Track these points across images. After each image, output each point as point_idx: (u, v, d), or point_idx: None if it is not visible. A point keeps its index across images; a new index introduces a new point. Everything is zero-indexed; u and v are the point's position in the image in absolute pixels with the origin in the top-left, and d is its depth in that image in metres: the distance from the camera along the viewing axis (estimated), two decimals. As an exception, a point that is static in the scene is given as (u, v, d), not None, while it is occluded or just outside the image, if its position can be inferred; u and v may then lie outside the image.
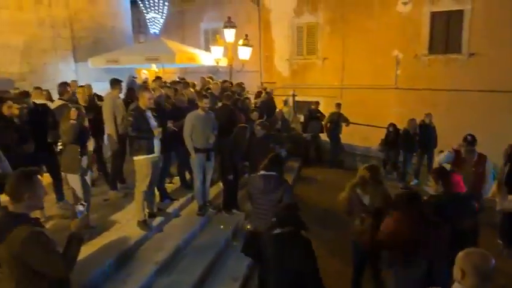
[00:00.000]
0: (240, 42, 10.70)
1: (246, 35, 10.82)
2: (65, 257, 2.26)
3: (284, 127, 9.26)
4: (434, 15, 11.99)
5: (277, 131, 8.39)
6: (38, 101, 5.79)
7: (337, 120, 10.37)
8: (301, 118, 11.32)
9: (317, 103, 10.98)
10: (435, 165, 5.77)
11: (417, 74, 12.25)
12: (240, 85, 9.15)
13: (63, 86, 6.25)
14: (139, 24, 16.33)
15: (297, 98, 12.42)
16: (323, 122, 10.62)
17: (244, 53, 10.70)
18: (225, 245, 5.44)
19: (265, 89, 10.57)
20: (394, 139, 9.25)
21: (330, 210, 6.35)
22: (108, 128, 6.30)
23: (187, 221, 5.74)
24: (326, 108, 11.27)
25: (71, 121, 4.63)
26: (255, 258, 4.10)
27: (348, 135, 10.79)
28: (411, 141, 8.79)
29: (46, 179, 4.89)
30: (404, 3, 12.27)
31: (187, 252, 5.05)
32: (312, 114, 10.73)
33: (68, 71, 10.27)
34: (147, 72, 14.44)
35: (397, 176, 9.30)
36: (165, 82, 8.50)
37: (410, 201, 3.34)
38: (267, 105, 9.23)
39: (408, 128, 8.82)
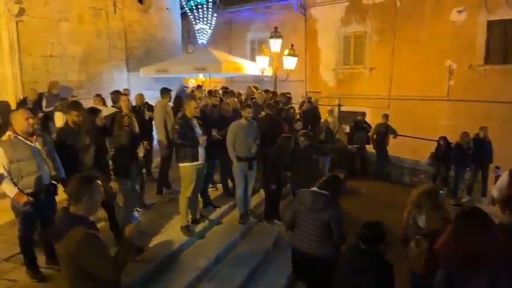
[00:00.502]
0: (286, 52, 10.73)
1: (292, 45, 10.84)
2: (115, 261, 2.34)
3: (329, 138, 9.12)
4: (491, 24, 11.37)
5: (321, 142, 8.27)
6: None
7: (385, 131, 10.07)
8: (347, 129, 11.11)
9: (363, 114, 10.75)
10: (493, 190, 5.28)
11: (471, 85, 11.63)
12: (285, 95, 9.16)
13: (116, 94, 6.57)
14: (188, 35, 16.88)
15: (342, 108, 12.22)
16: (369, 133, 10.37)
17: (290, 62, 10.72)
18: (265, 255, 5.42)
19: (309, 98, 10.50)
20: (445, 153, 8.82)
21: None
22: (159, 135, 6.57)
23: (228, 228, 5.79)
24: (373, 119, 11.00)
25: (124, 127, 4.86)
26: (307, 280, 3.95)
27: (395, 147, 10.43)
28: (464, 155, 8.33)
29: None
30: (459, 12, 11.74)
31: (228, 259, 5.08)
32: (358, 125, 10.50)
33: (121, 79, 10.81)
34: (194, 81, 14.89)
35: (448, 191, 8.83)
36: (210, 91, 8.74)
37: (473, 213, 3.03)
38: (310, 115, 9.15)
39: (461, 141, 8.37)
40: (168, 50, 12.42)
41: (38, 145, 3.81)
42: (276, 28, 10.64)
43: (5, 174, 3.62)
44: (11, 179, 3.66)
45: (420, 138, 10.44)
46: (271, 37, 10.55)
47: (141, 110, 7.16)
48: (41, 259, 4.12)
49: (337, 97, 13.17)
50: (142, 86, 10.24)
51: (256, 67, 11.35)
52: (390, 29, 12.93)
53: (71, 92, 8.93)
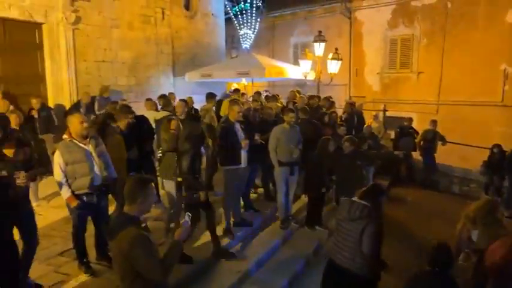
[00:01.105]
0: (330, 55, 10.61)
1: (336, 49, 10.70)
2: (163, 263, 2.40)
3: (373, 144, 8.88)
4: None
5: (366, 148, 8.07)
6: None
7: (432, 138, 9.67)
8: (392, 134, 10.78)
9: (410, 119, 10.38)
10: None
11: (529, 90, 10.90)
12: (328, 99, 9.04)
13: (166, 98, 6.81)
14: (232, 40, 17.14)
15: (387, 113, 11.87)
16: (416, 140, 9.99)
17: (334, 66, 10.58)
18: (306, 262, 5.36)
19: (351, 103, 10.24)
20: (499, 162, 8.31)
21: (425, 238, 5.75)
22: (206, 138, 6.76)
23: (269, 233, 5.80)
24: (420, 125, 10.59)
25: (171, 131, 5.01)
26: None
27: (443, 155, 9.98)
28: (520, 165, 7.82)
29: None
30: (517, 12, 11.06)
31: (269, 264, 5.08)
32: (404, 130, 10.15)
33: (167, 84, 11.17)
34: (236, 85, 15.11)
35: (501, 203, 8.31)
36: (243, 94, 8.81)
37: None
38: (352, 120, 8.94)
39: (517, 150, 7.87)
40: (212, 55, 12.69)
41: (90, 147, 4.02)
42: (319, 32, 10.55)
43: (62, 175, 3.85)
44: (66, 181, 3.88)
45: (471, 146, 9.91)
46: (315, 41, 10.47)
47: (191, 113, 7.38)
48: (92, 255, 4.33)
49: (382, 102, 12.82)
50: (187, 90, 10.51)
51: (299, 71, 11.30)
52: (440, 31, 12.40)
53: (120, 95, 9.35)
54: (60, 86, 8.49)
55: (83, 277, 4.08)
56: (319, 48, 10.46)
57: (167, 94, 8.25)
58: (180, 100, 6.89)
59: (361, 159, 6.33)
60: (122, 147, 4.83)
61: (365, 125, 9.33)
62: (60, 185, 3.91)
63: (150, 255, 2.37)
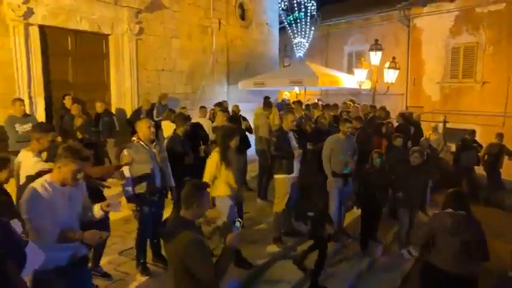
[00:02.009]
0: (387, 64, 10.32)
1: (394, 57, 10.39)
2: (216, 267, 2.47)
3: (432, 157, 8.46)
4: None
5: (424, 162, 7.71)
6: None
7: (498, 152, 9.02)
8: (453, 148, 10.20)
9: (473, 132, 9.76)
10: None
11: None
12: (384, 109, 8.77)
13: (222, 106, 7.00)
14: (285, 49, 17.24)
15: (448, 125, 11.27)
16: (480, 154, 9.37)
17: (391, 75, 10.28)
18: (359, 276, 5.20)
19: (403, 114, 9.76)
20: None
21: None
22: (261, 145, 6.86)
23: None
24: (484, 138, 9.94)
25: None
26: None
27: (510, 171, 9.27)
28: None
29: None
30: None
31: (320, 277, 4.98)
32: (466, 144, 9.56)
33: (221, 92, 11.44)
34: (288, 94, 15.14)
35: None
36: (307, 105, 8.78)
37: None
38: (408, 131, 8.56)
39: None
40: (265, 64, 12.82)
41: (155, 151, 4.25)
42: (376, 40, 10.32)
43: (128, 175, 4.08)
44: (132, 180, 4.11)
45: (543, 162, 9.12)
46: (371, 49, 10.25)
47: (239, 120, 7.50)
48: (148, 255, 4.50)
49: (441, 113, 12.19)
50: (240, 98, 10.70)
51: (354, 80, 11.10)
52: (508, 38, 11.61)
53: (178, 103, 9.72)
54: (123, 93, 9.00)
55: (140, 277, 4.26)
56: (375, 57, 10.23)
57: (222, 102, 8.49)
58: (220, 111, 6.99)
59: (429, 172, 6.03)
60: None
61: (422, 137, 8.92)
62: (127, 182, 4.13)
63: (205, 258, 2.43)
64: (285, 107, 9.14)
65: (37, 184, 2.56)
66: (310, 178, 4.98)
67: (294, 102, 9.83)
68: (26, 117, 6.43)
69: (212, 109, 8.60)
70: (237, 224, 2.68)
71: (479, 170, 9.64)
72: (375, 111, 9.11)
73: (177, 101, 9.85)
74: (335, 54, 16.29)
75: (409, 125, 8.78)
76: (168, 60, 9.92)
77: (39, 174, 2.87)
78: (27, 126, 6.10)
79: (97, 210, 2.88)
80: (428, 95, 13.75)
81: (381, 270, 5.53)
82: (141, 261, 4.34)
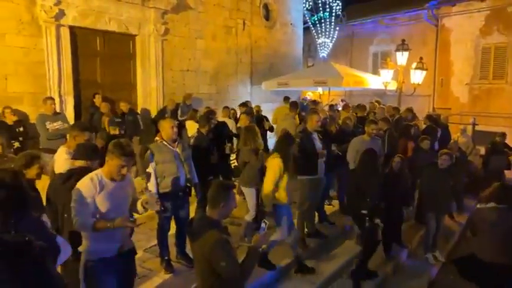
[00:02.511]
0: (414, 65, 10.09)
1: (421, 58, 10.15)
2: (242, 267, 2.48)
3: (460, 160, 8.22)
4: None
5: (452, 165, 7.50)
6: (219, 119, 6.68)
7: (531, 156, 8.67)
8: (482, 150, 9.87)
9: (503, 135, 9.39)
10: None
11: None
12: (411, 110, 8.58)
13: (247, 106, 7.02)
14: (308, 49, 17.14)
15: (477, 128, 10.93)
16: (510, 158, 9.03)
17: (418, 76, 10.05)
18: (383, 280, 5.11)
19: (429, 116, 9.48)
20: None
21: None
22: None
23: (345, 247, 5.63)
24: (515, 141, 9.59)
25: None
26: None
27: (544, 176, 8.91)
28: None
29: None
30: None
31: (344, 280, 4.93)
32: (496, 147, 9.22)
33: (244, 92, 11.48)
34: (311, 94, 15.04)
35: None
36: (331, 105, 8.69)
37: None
38: (435, 133, 8.33)
39: None
40: (289, 64, 12.78)
41: (178, 150, 4.29)
42: (403, 40, 10.10)
43: (152, 174, 4.14)
44: (156, 179, 4.16)
45: None
46: (398, 50, 10.04)
47: (262, 120, 7.51)
48: (173, 253, 4.56)
49: (470, 115, 11.83)
50: (263, 98, 10.71)
51: (379, 81, 10.91)
52: (543, 38, 11.18)
53: (201, 103, 9.81)
54: (148, 93, 9.16)
55: (164, 274, 4.32)
56: (402, 57, 10.02)
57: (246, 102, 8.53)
58: (244, 113, 6.99)
59: (457, 176, 5.85)
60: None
61: (451, 140, 8.68)
62: (149, 184, 4.20)
63: (231, 258, 2.44)
64: (308, 108, 9.08)
65: (89, 177, 2.74)
66: (366, 178, 4.89)
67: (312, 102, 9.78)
68: (56, 115, 6.61)
69: (232, 109, 8.65)
70: (263, 225, 2.67)
71: (510, 174, 9.30)
72: (398, 112, 8.94)
73: (201, 101, 9.95)
74: (360, 54, 16.08)
75: (437, 127, 8.55)
76: (192, 60, 10.03)
77: (72, 172, 2.96)
78: (57, 124, 6.29)
79: (139, 206, 3.03)
80: (457, 96, 13.38)
81: (406, 274, 5.41)
82: (165, 258, 4.40)
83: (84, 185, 2.72)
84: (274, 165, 4.33)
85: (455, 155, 6.52)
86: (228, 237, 2.55)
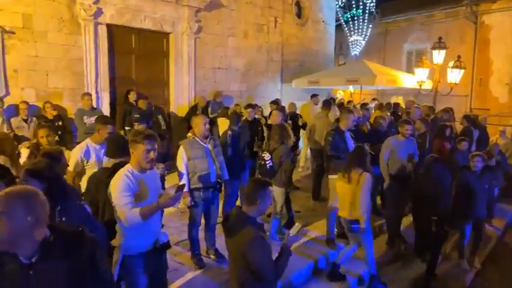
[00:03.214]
0: (451, 63, 9.75)
1: (459, 56, 9.80)
2: (276, 264, 2.48)
3: (499, 162, 7.88)
4: None
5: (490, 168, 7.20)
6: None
7: None
8: (522, 153, 9.42)
9: (546, 137, 8.97)
10: None
11: None
12: (447, 111, 8.30)
13: (277, 103, 7.01)
14: (340, 47, 16.90)
15: (518, 129, 10.45)
16: (553, 161, 8.58)
17: (455, 75, 9.71)
18: (414, 283, 4.98)
19: (466, 116, 9.07)
20: None
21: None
22: (316, 144, 6.86)
23: (376, 249, 5.50)
24: (560, 145, 9.08)
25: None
26: None
27: None
28: None
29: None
30: None
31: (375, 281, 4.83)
32: (539, 150, 8.79)
33: (274, 90, 11.46)
34: (342, 92, 14.82)
35: None
36: (363, 104, 8.53)
37: None
38: (471, 134, 8.01)
39: None
40: (320, 63, 12.65)
41: (210, 146, 4.34)
42: (440, 38, 9.78)
43: (183, 169, 4.21)
44: (187, 175, 4.22)
45: None
46: (434, 47, 9.73)
47: (297, 117, 7.51)
48: (202, 247, 4.63)
49: (509, 116, 11.33)
50: (293, 96, 10.64)
51: (413, 80, 10.62)
52: None
53: (232, 100, 9.88)
54: (180, 91, 9.30)
55: (194, 268, 4.38)
56: (438, 56, 9.70)
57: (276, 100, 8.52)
58: (275, 109, 6.94)
59: (495, 179, 5.61)
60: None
61: (490, 142, 8.32)
62: (181, 175, 4.27)
63: (266, 256, 2.45)
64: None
65: (122, 173, 2.78)
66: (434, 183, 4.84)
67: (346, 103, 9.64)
68: (93, 110, 6.86)
69: (259, 106, 8.65)
70: (296, 224, 2.67)
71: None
72: (434, 112, 8.66)
73: (231, 98, 10.01)
74: (393, 52, 15.70)
75: (474, 128, 8.22)
76: (224, 58, 10.11)
77: (117, 167, 3.06)
78: (94, 119, 6.50)
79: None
80: (496, 96, 12.84)
81: (439, 279, 5.25)
82: (196, 252, 4.47)
83: (120, 180, 2.75)
84: (365, 182, 4.21)
85: (496, 158, 6.24)
86: (264, 235, 2.55)
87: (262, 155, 5.16)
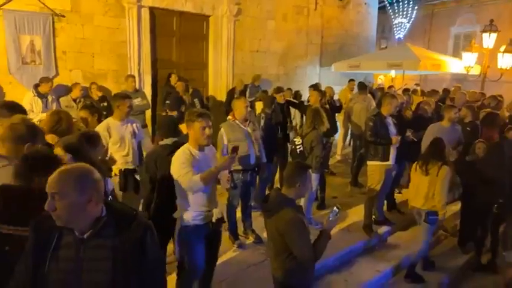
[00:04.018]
0: (502, 48, 9.21)
1: (511, 40, 9.22)
2: (314, 247, 2.51)
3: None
4: None
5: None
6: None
7: None
8: None
9: None
10: None
11: None
12: (496, 97, 7.88)
13: (316, 87, 6.96)
14: (382, 30, 16.32)
15: None
16: None
17: (506, 60, 9.17)
18: (454, 274, 4.86)
19: None
20: None
21: None
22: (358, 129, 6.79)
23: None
24: None
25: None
26: None
27: None
28: None
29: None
30: None
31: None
32: None
33: (313, 74, 11.28)
34: (383, 77, 14.39)
35: None
36: (405, 89, 8.25)
37: None
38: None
39: None
40: (361, 46, 12.29)
41: (249, 130, 4.38)
42: (491, 21, 9.23)
43: (225, 151, 4.28)
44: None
45: None
46: (485, 31, 9.22)
47: (334, 102, 7.41)
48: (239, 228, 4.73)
49: None
50: (332, 81, 10.44)
51: (460, 65, 10.12)
52: None
53: (270, 84, 9.84)
54: (219, 74, 9.37)
55: (232, 247, 4.50)
56: (488, 40, 9.18)
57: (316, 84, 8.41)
58: (313, 90, 6.83)
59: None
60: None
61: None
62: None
63: (304, 238, 2.47)
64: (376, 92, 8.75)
65: (181, 151, 2.99)
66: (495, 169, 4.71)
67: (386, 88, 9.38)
68: (136, 92, 7.07)
69: (293, 90, 8.60)
70: (335, 208, 2.67)
71: None
72: (483, 99, 8.26)
73: (269, 82, 9.97)
74: (439, 35, 15.01)
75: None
76: (262, 41, 10.04)
77: (177, 145, 3.19)
78: (137, 101, 6.72)
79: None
80: (551, 83, 12.00)
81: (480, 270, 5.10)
82: (234, 233, 4.57)
83: (181, 155, 2.96)
84: (445, 175, 4.17)
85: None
86: (303, 217, 2.58)
87: (294, 140, 5.17)
